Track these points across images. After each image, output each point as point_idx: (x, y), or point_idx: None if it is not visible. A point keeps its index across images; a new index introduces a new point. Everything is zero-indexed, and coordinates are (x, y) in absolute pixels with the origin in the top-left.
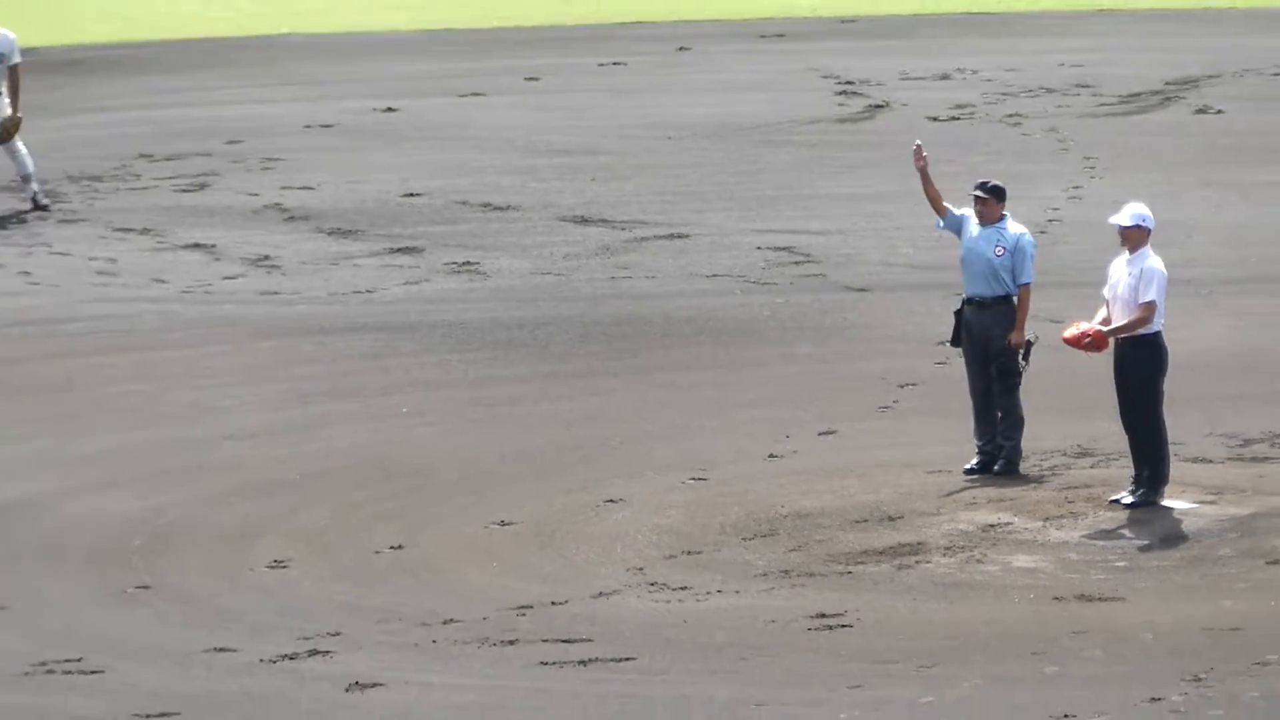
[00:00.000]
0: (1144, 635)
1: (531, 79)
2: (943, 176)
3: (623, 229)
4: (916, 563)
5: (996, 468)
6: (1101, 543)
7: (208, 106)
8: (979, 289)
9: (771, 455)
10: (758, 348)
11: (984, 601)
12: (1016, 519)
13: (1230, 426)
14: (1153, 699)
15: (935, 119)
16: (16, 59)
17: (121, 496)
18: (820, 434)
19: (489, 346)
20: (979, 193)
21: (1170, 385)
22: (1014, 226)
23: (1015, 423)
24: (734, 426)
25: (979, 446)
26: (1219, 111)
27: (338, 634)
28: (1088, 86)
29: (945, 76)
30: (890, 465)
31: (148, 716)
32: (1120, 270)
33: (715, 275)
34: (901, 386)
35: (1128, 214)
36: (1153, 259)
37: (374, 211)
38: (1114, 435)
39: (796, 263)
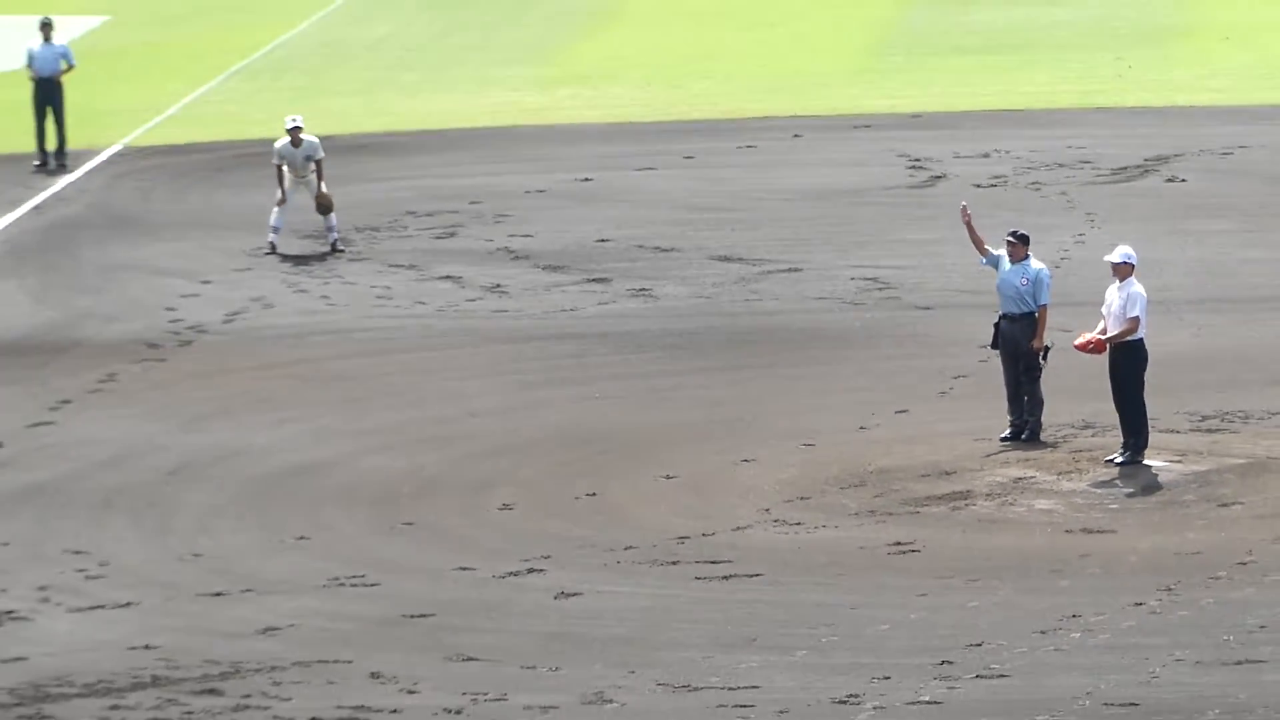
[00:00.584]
0: (1130, 558)
1: (688, 157)
2: (984, 227)
3: (754, 265)
4: (966, 505)
5: (1024, 436)
6: (1100, 491)
7: (455, 178)
8: (1010, 308)
9: (861, 427)
10: (851, 350)
11: (1015, 533)
12: (1038, 473)
13: (1192, 407)
14: (1136, 603)
15: (979, 186)
16: (321, 155)
17: (394, 457)
18: (896, 412)
19: (658, 349)
20: (1010, 238)
21: (1149, 378)
22: (1035, 263)
23: (1037, 404)
24: (834, 407)
25: (1011, 421)
26: (1183, 180)
27: (549, 557)
28: (1089, 162)
29: (986, 155)
30: (947, 434)
31: (412, 616)
32: (1113, 294)
33: (820, 298)
34: (955, 378)
35: (1118, 253)
36: (1137, 286)
37: (575, 252)
38: (1108, 413)
39: (879, 289)
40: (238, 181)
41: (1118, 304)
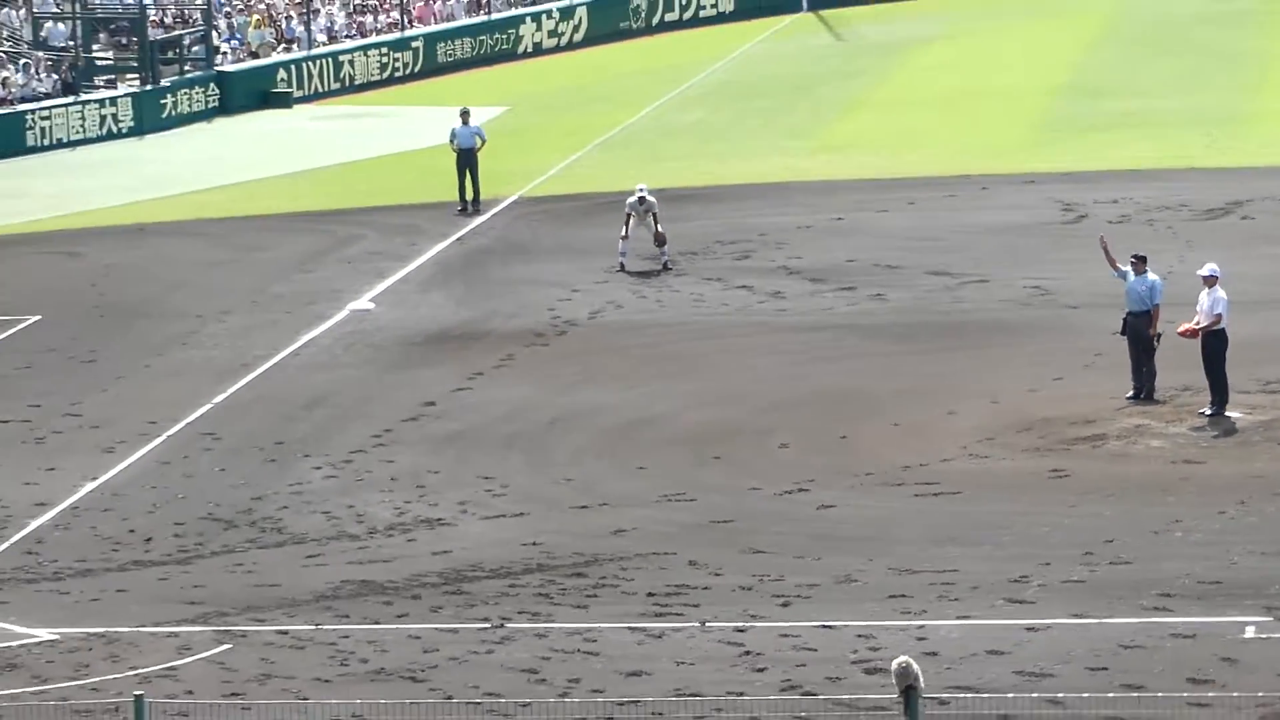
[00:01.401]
0: (1216, 480)
1: (910, 203)
2: (1115, 250)
3: (954, 278)
4: (1102, 443)
5: (1142, 396)
6: (1194, 434)
7: (749, 218)
8: (1134, 307)
9: (1030, 389)
10: (1022, 336)
11: (1135, 463)
12: (1152, 422)
13: (1261, 375)
14: (1220, 512)
15: (1110, 222)
16: (658, 209)
17: (705, 411)
18: (1054, 379)
19: (889, 337)
20: (1133, 258)
21: (1230, 355)
22: (1152, 275)
23: (1152, 374)
24: (1011, 375)
25: (1134, 385)
26: (1252, 218)
27: (813, 480)
28: (1186, 205)
29: (1115, 201)
30: (1089, 395)
31: (717, 522)
32: (1204, 298)
33: (1001, 300)
34: (1095, 355)
35: (1206, 269)
36: (1220, 291)
37: (831, 269)
38: (1201, 380)
39: (1042, 294)
40: (598, 222)
41: (1207, 304)
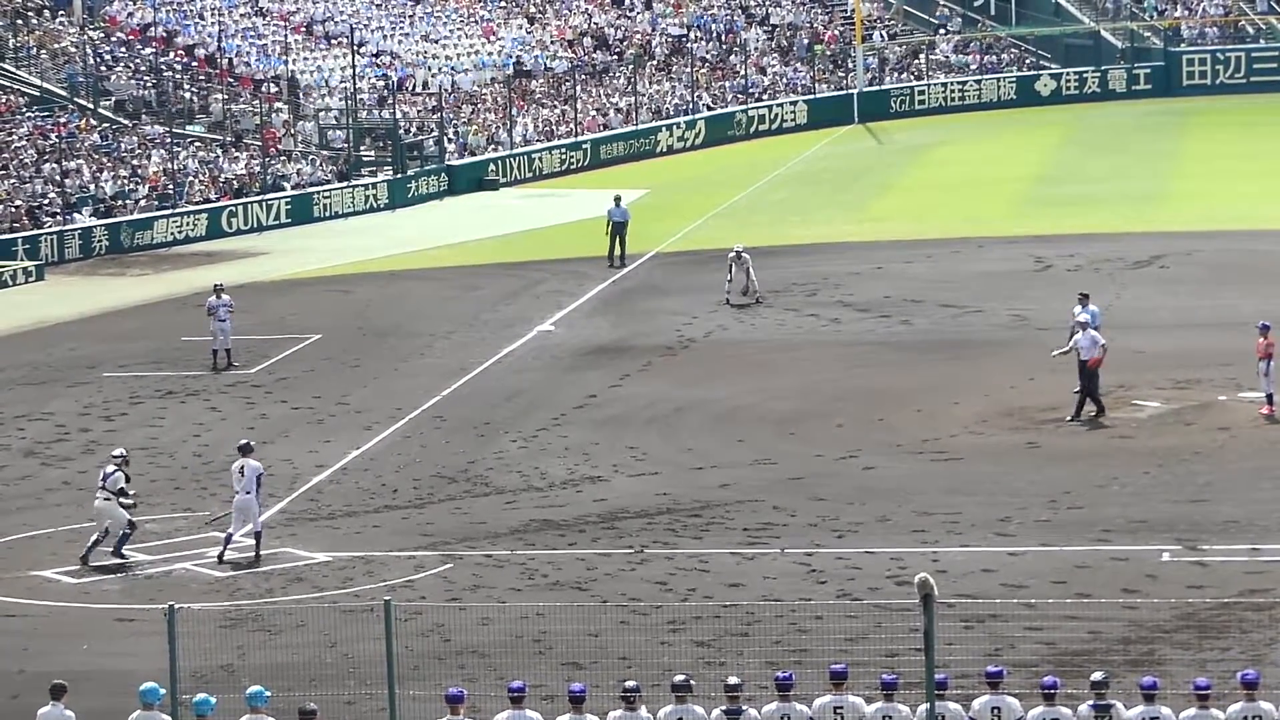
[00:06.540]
0: (1141, 450)
1: (929, 255)
2: (1069, 291)
3: (959, 309)
4: (1062, 424)
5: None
6: (1126, 416)
7: (814, 266)
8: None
9: (1011, 386)
10: (1008, 350)
11: (1085, 437)
12: (1094, 409)
13: (1174, 377)
14: (1145, 472)
15: (1068, 270)
16: (749, 261)
17: (782, 400)
18: (1029, 379)
19: (913, 350)
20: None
21: (1150, 361)
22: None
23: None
24: (998, 376)
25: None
26: (1167, 267)
27: (860, 449)
28: (1121, 258)
29: (1071, 255)
30: (1053, 389)
31: (795, 478)
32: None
33: (991, 324)
34: (1058, 362)
35: (1083, 317)
36: (1096, 334)
37: (872, 303)
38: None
39: (1020, 320)
40: (710, 270)
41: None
